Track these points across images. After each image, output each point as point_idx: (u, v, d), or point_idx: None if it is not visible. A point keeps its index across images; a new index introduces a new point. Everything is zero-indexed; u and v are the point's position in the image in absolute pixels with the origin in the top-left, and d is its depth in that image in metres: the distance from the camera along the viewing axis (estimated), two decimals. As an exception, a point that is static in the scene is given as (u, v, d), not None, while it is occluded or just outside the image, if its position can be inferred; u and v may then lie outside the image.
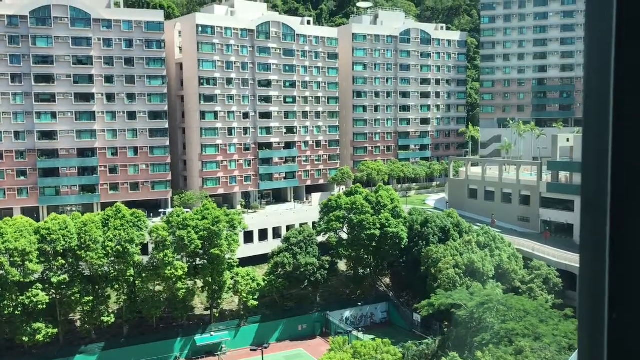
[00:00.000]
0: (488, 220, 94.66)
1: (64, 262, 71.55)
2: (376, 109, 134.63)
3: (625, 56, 1.84)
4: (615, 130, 1.85)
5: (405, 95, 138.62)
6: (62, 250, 70.96)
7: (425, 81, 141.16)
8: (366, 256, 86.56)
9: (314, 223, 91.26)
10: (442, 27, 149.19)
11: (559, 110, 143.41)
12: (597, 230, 1.87)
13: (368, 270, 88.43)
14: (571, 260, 73.97)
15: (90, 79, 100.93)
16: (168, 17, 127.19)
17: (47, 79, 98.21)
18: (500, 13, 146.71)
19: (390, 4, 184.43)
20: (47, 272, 71.29)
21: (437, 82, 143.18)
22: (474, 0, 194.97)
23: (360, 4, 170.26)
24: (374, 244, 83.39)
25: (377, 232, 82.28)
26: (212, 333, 78.49)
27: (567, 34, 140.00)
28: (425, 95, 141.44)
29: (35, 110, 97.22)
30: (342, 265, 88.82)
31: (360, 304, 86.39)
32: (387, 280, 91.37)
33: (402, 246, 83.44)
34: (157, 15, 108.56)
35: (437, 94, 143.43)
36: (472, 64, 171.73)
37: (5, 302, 68.03)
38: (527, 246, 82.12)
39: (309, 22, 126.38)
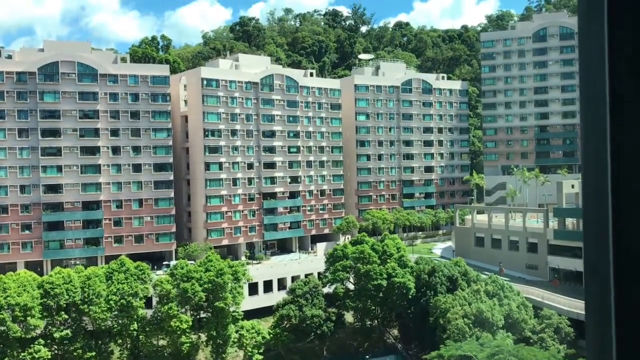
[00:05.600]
0: (495, 268, 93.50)
1: (66, 316, 70.63)
2: (380, 157, 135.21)
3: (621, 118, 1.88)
4: (614, 204, 1.87)
5: (408, 143, 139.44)
6: (65, 305, 70.11)
7: (427, 130, 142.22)
8: (373, 307, 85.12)
9: (319, 273, 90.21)
10: (443, 77, 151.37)
11: (563, 157, 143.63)
12: (601, 303, 1.88)
13: (375, 321, 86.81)
14: (582, 308, 72.47)
15: (96, 132, 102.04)
16: (173, 71, 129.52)
17: (54, 133, 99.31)
18: (500, 62, 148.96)
19: (392, 55, 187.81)
20: (50, 327, 70.24)
21: (440, 130, 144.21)
22: (473, 50, 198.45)
23: (361, 56, 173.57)
24: (381, 294, 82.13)
25: (384, 282, 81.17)
26: (217, 389, 76.50)
27: (567, 82, 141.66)
28: (428, 143, 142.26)
29: (41, 164, 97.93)
30: (348, 317, 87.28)
31: (368, 356, 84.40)
32: (395, 331, 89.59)
33: (410, 296, 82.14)
34: (163, 70, 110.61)
35: (440, 142, 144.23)
36: (474, 112, 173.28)
37: (6, 359, 66.71)
38: (537, 294, 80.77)
39: (311, 74, 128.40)
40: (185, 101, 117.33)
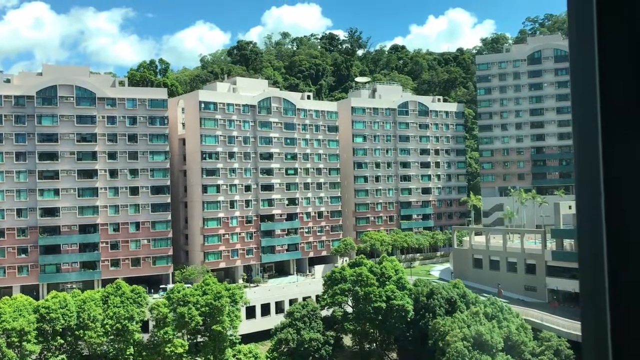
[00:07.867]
0: (494, 290, 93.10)
1: (62, 341, 69.89)
2: (377, 179, 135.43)
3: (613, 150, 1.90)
4: (608, 225, 1.88)
5: (405, 165, 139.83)
6: (61, 330, 69.45)
7: (424, 151, 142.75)
8: (372, 330, 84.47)
9: (317, 296, 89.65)
10: (439, 99, 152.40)
11: (559, 178, 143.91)
12: (598, 325, 1.89)
13: (374, 344, 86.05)
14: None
15: (93, 155, 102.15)
16: (171, 94, 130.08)
17: (51, 156, 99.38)
18: (495, 84, 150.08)
19: (388, 78, 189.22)
20: (45, 352, 69.49)
21: (437, 152, 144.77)
22: (469, 73, 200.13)
23: (358, 79, 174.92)
24: (379, 317, 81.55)
25: (383, 305, 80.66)
26: (214, 414, 75.44)
27: (562, 103, 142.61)
28: (425, 165, 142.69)
29: (38, 188, 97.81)
30: (347, 340, 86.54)
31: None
32: (394, 354, 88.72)
33: (409, 319, 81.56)
34: (161, 93, 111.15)
35: (437, 164, 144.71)
36: (470, 134, 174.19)
37: (1, 385, 65.90)
38: (536, 316, 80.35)
39: (309, 97, 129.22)
40: (183, 124, 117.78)
